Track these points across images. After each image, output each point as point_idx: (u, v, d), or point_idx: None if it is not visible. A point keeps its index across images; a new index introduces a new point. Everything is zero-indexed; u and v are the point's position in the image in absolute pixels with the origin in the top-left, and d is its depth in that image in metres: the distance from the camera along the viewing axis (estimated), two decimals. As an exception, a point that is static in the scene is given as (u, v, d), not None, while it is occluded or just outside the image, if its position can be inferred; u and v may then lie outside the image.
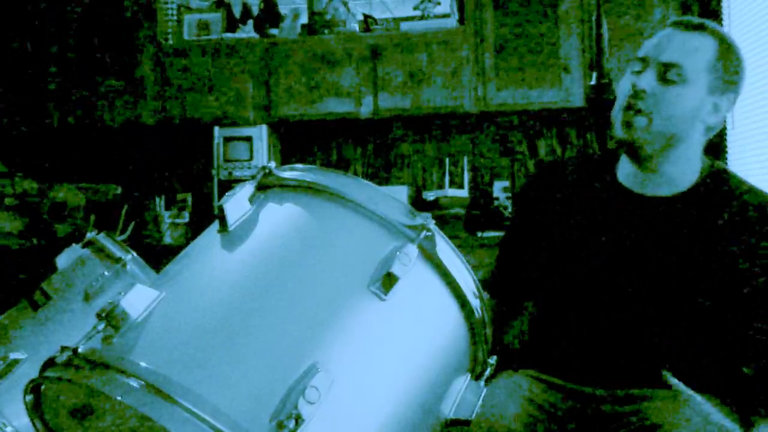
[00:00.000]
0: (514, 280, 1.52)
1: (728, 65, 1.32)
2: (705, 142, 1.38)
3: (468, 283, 0.87)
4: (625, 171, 1.40)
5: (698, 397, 1.19)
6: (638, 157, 1.35)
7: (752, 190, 1.35)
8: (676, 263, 1.31)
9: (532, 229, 1.47)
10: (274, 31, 3.98)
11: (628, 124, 1.32)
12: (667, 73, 1.29)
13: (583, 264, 1.37)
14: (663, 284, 1.31)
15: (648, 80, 1.30)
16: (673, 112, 1.30)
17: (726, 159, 3.25)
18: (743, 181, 1.38)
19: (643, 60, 1.33)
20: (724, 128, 3.22)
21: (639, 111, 1.30)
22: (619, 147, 1.39)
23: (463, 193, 3.86)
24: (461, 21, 3.76)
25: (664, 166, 1.35)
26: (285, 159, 4.05)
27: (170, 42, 3.99)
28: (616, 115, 1.34)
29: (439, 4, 3.88)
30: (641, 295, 1.32)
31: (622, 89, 1.35)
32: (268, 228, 0.85)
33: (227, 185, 3.59)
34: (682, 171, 1.36)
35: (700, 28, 1.32)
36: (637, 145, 1.33)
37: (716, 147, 3.23)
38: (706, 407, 1.17)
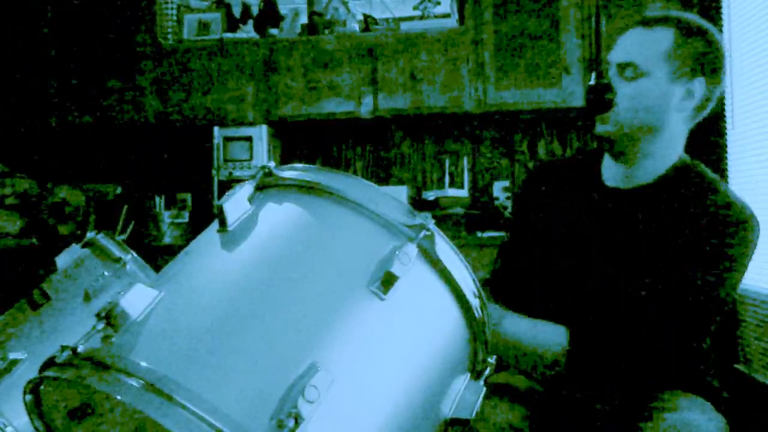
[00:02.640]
0: (515, 280, 1.52)
1: (691, 49, 1.33)
2: (687, 131, 1.39)
3: (468, 282, 0.86)
4: (609, 168, 1.44)
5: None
6: (615, 151, 1.39)
7: (720, 192, 1.32)
8: (639, 258, 1.30)
9: (528, 231, 1.49)
10: (274, 31, 3.98)
11: (602, 120, 1.37)
12: (623, 72, 1.35)
13: (568, 263, 1.38)
14: (636, 282, 1.29)
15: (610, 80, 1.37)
16: (638, 105, 1.34)
17: (726, 159, 3.24)
18: (716, 180, 1.36)
19: (605, 62, 1.39)
20: (724, 128, 3.21)
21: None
22: (599, 143, 1.44)
23: (463, 193, 3.86)
24: (461, 21, 3.76)
25: (641, 160, 1.37)
26: (285, 159, 4.05)
27: (170, 42, 4.00)
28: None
29: (439, 4, 3.88)
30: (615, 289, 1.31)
31: None
32: (267, 228, 0.85)
33: (227, 185, 3.59)
34: (656, 164, 1.38)
35: (660, 21, 1.35)
36: (612, 138, 1.37)
37: (716, 147, 3.23)
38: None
